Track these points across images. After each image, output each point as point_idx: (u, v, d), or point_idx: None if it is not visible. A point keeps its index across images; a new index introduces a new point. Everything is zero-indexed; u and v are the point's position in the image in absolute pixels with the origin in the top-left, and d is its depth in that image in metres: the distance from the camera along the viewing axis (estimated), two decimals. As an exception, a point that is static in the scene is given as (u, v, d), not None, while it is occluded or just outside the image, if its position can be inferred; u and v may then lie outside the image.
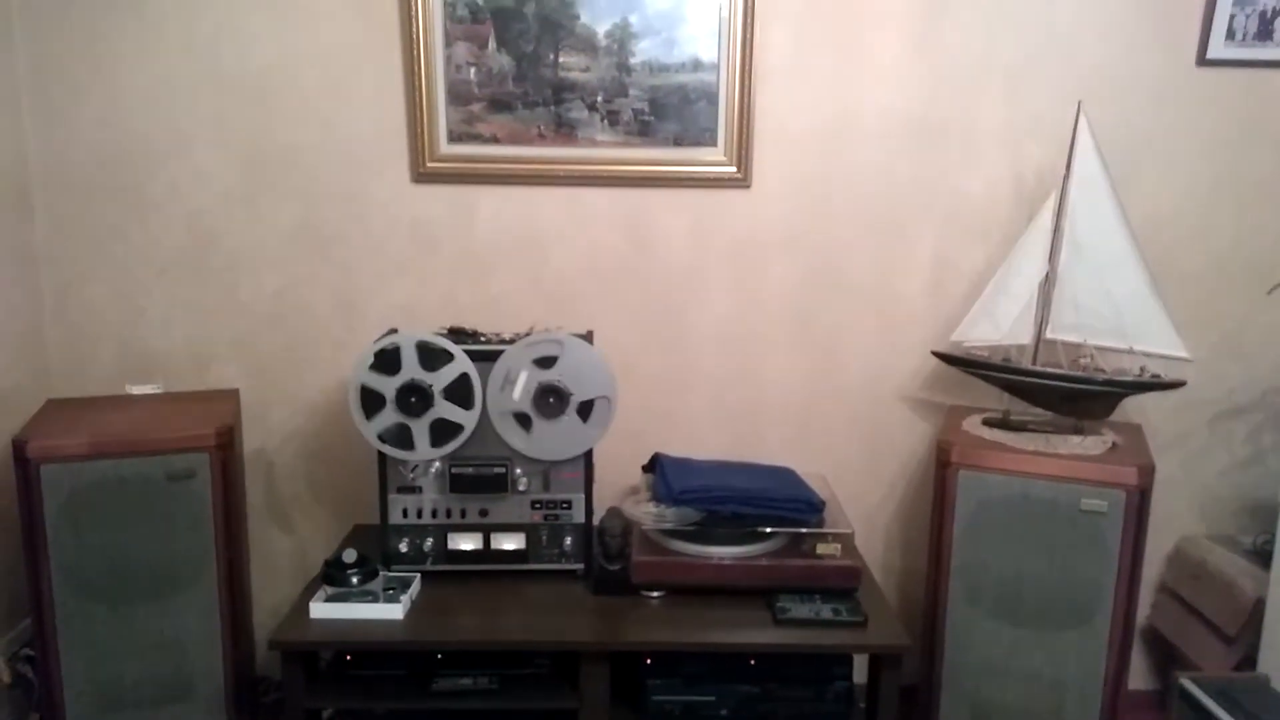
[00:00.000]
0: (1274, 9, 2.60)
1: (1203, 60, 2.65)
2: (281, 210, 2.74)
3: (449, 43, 2.63)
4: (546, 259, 2.79)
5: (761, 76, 2.67)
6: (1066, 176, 2.47)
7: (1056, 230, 2.48)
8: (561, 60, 2.65)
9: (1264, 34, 2.62)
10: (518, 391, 2.34)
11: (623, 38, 2.64)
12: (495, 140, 2.70)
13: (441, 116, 2.68)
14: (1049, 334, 2.50)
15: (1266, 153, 2.70)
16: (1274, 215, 2.74)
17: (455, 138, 2.70)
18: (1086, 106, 2.49)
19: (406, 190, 2.73)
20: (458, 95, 2.66)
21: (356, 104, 2.68)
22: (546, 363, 2.36)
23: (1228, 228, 2.75)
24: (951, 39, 2.66)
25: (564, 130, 2.70)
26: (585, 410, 2.37)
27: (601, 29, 2.64)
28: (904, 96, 2.70)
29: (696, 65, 2.66)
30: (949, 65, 2.68)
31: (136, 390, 2.60)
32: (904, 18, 2.65)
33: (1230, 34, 2.62)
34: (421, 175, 2.71)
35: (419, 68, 2.63)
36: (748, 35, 2.63)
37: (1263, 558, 2.49)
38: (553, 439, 2.38)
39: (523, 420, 2.37)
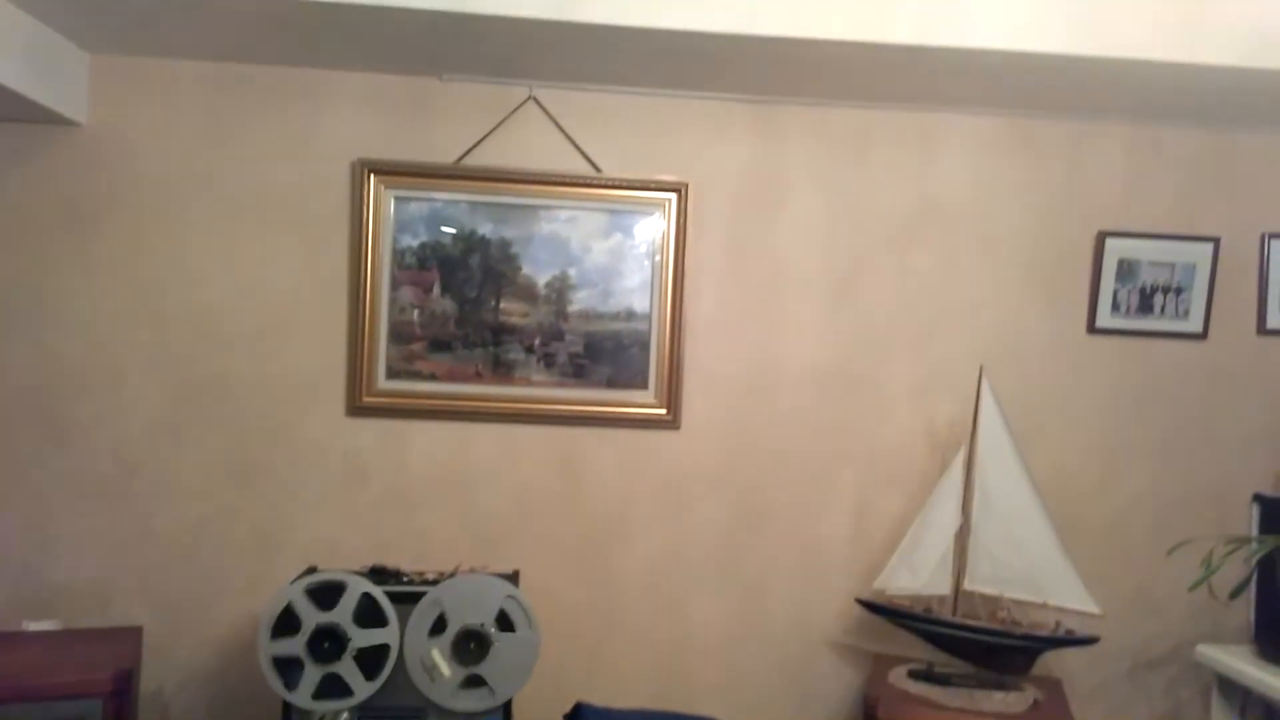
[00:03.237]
0: (1152, 286, 2.89)
1: (1092, 329, 2.90)
2: (208, 440, 2.73)
3: (395, 286, 2.76)
4: (476, 495, 2.80)
5: (691, 328, 2.84)
6: (973, 433, 2.61)
7: (967, 483, 2.60)
8: (502, 306, 2.79)
9: (1145, 308, 2.90)
10: (445, 669, 2.28)
11: (562, 288, 2.80)
12: (434, 377, 2.78)
13: (382, 354, 2.76)
14: (967, 585, 2.56)
15: (1158, 414, 2.91)
16: (1170, 474, 2.91)
17: (394, 374, 2.77)
18: (990, 366, 2.69)
19: (340, 423, 2.76)
20: (400, 335, 2.76)
21: (298, 340, 2.75)
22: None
23: (1129, 484, 2.91)
24: (865, 300, 2.88)
25: (501, 370, 2.79)
26: (499, 661, 2.31)
27: (542, 279, 2.80)
28: (822, 351, 2.88)
29: (630, 315, 2.82)
30: (863, 324, 2.88)
31: (34, 627, 2.46)
32: (822, 280, 2.87)
33: (1115, 306, 2.89)
34: (357, 409, 2.76)
35: (364, 309, 2.73)
36: (678, 290, 2.81)
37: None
38: (470, 691, 2.30)
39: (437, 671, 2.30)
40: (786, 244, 2.86)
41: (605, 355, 2.82)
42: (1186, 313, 2.88)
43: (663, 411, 2.83)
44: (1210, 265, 2.87)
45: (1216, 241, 2.87)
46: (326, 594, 2.28)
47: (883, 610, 2.61)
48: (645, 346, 2.83)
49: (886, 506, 2.87)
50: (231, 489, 2.74)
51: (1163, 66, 2.36)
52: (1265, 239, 2.90)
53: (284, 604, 2.25)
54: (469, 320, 2.78)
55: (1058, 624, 2.48)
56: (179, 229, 2.72)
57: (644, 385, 2.83)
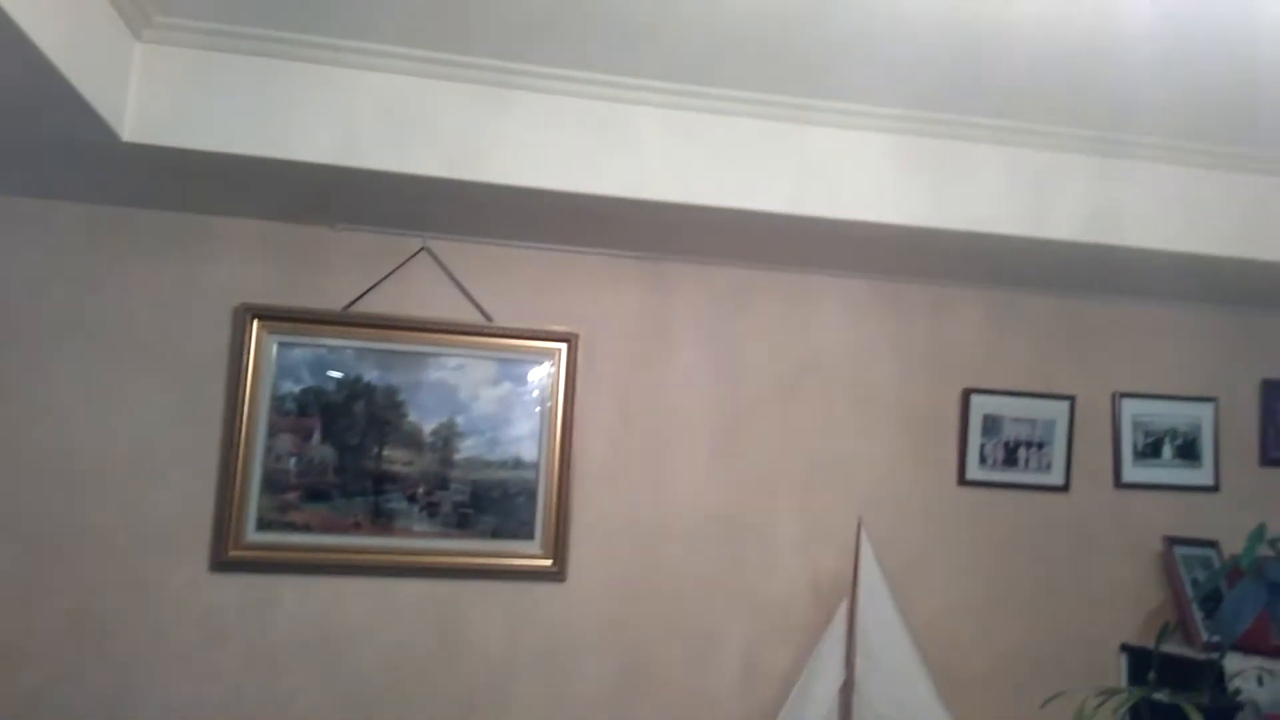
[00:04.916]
0: (1015, 440, 3.05)
1: (962, 481, 3.02)
2: (58, 597, 2.52)
3: (273, 433, 2.67)
4: (347, 657, 2.65)
5: (579, 476, 2.82)
6: (854, 586, 2.65)
7: (850, 637, 2.61)
8: (386, 453, 2.73)
9: (1010, 461, 3.05)
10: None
11: (449, 435, 2.77)
12: (308, 529, 2.66)
13: (253, 504, 2.64)
14: (853, 743, 2.53)
15: (1028, 565, 3.02)
16: (1043, 624, 3.00)
17: (265, 525, 2.64)
18: (869, 518, 2.76)
19: (203, 578, 2.60)
20: (274, 483, 2.65)
21: (163, 488, 2.61)
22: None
23: (1005, 635, 2.98)
24: (750, 451, 2.94)
25: (381, 520, 2.70)
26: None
27: (429, 427, 2.76)
28: (709, 500, 2.90)
29: (518, 463, 2.80)
30: (748, 474, 2.93)
31: None
32: (708, 431, 2.93)
33: (983, 460, 3.03)
34: (222, 563, 2.60)
35: (237, 456, 2.63)
36: (567, 439, 2.82)
37: None
38: None
39: None
40: (674, 394, 2.92)
41: (491, 504, 2.77)
42: (1049, 466, 3.05)
43: (549, 563, 2.77)
44: (1068, 421, 3.06)
45: (1072, 399, 3.07)
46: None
47: (771, 772, 2.54)
48: (532, 495, 2.79)
49: (774, 660, 2.85)
50: (75, 651, 2.51)
51: (1013, 240, 2.57)
52: (1116, 397, 3.13)
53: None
54: (349, 468, 2.70)
55: (943, 782, 2.47)
56: (46, 370, 2.59)
57: (530, 536, 2.78)
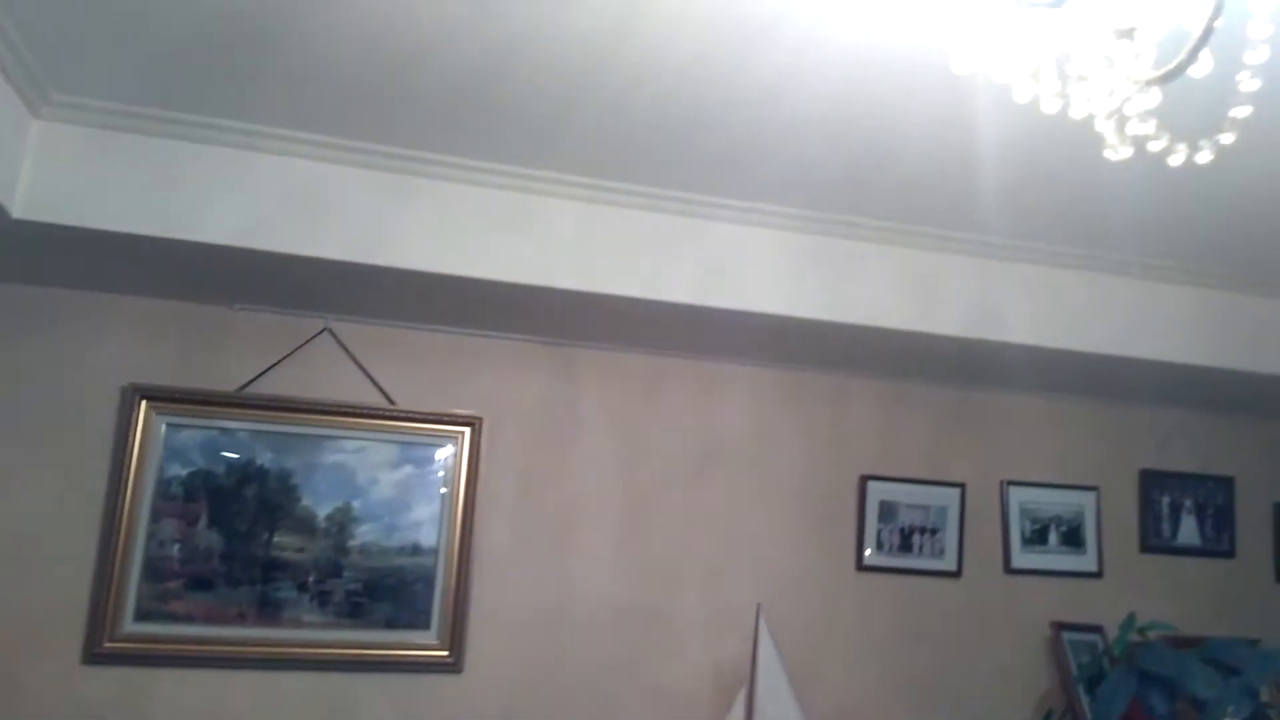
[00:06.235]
0: (910, 526, 3.13)
1: (860, 567, 3.08)
2: (-95, 695, 2.35)
3: (156, 518, 2.56)
4: (227, 754, 2.51)
5: (480, 562, 2.78)
6: (753, 674, 2.65)
7: (750, 728, 2.59)
8: (276, 540, 2.64)
9: (906, 547, 3.12)
10: None
11: (344, 521, 2.70)
12: (189, 619, 2.54)
13: (132, 592, 2.51)
14: (752, 838, 2.49)
15: (925, 650, 3.06)
16: (939, 709, 3.03)
17: (143, 615, 2.52)
18: (770, 604, 2.77)
19: (73, 671, 2.45)
20: (156, 571, 2.54)
21: (35, 576, 2.47)
22: None
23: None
24: (655, 537, 2.94)
25: (268, 610, 2.60)
26: None
27: (323, 511, 2.69)
28: (613, 587, 2.88)
29: (416, 550, 2.74)
30: (653, 560, 2.93)
31: None
32: (613, 516, 2.92)
33: (879, 545, 3.10)
34: (96, 655, 2.46)
35: (118, 542, 2.51)
36: (468, 524, 2.77)
37: None
38: None
39: None
40: (579, 480, 2.92)
41: (386, 593, 2.69)
42: (942, 552, 3.13)
43: (445, 653, 2.70)
44: (959, 508, 3.16)
45: (963, 486, 3.17)
46: None
47: None
48: (430, 583, 2.73)
49: (675, 752, 2.81)
50: (-78, 756, 2.33)
51: (902, 334, 2.69)
52: (1004, 485, 3.25)
53: None
54: (237, 555, 2.60)
55: None
56: (-94, 450, 2.45)
57: (426, 625, 2.71)
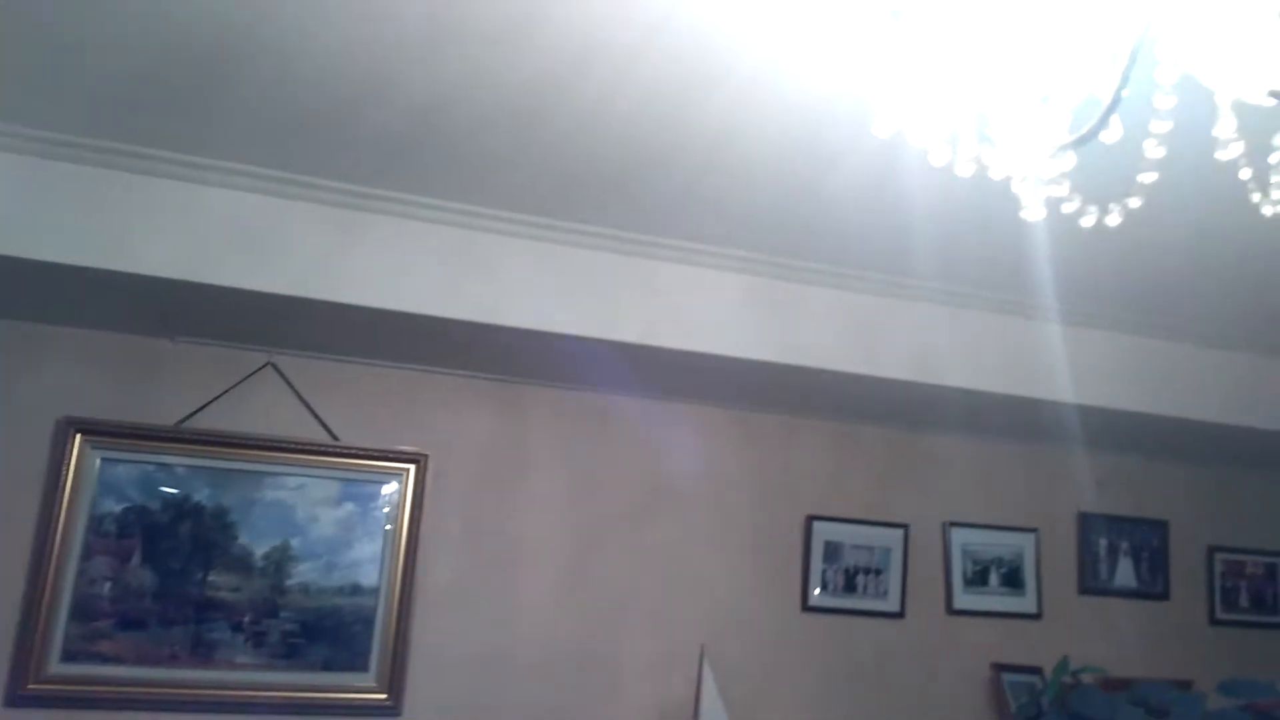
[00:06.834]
0: (854, 567, 3.15)
1: (805, 607, 3.09)
2: None
3: (87, 555, 2.50)
4: (153, 801, 2.43)
5: (422, 602, 2.74)
6: (696, 716, 2.63)
7: (693, 771, 2.58)
8: (211, 579, 2.58)
9: (850, 587, 3.14)
10: None
11: (281, 559, 2.65)
12: (119, 660, 2.47)
13: (59, 632, 2.44)
14: None
15: (869, 691, 3.07)
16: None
17: (70, 656, 2.44)
18: (716, 644, 2.76)
19: (-6, 716, 2.37)
20: (85, 610, 2.47)
21: (-45, 615, 2.39)
22: None
23: (850, 767, 3.00)
24: (602, 576, 2.92)
25: (201, 651, 2.54)
26: None
27: (260, 550, 2.64)
28: (559, 627, 2.85)
29: (356, 589, 2.69)
30: (599, 600, 2.91)
31: None
32: (560, 554, 2.90)
33: (824, 585, 3.11)
34: (20, 698, 2.38)
35: (45, 579, 2.44)
36: (410, 563, 2.74)
37: None
38: None
39: None
40: (525, 518, 2.90)
41: (324, 634, 2.64)
42: (885, 593, 3.15)
43: (383, 696, 2.65)
44: (903, 549, 3.19)
45: (906, 528, 3.21)
46: None
47: None
48: (370, 623, 2.68)
49: (617, 797, 2.78)
50: None
51: (847, 377, 2.73)
52: (945, 527, 3.29)
53: None
54: (170, 594, 2.54)
55: None
56: None
57: (364, 667, 2.66)
